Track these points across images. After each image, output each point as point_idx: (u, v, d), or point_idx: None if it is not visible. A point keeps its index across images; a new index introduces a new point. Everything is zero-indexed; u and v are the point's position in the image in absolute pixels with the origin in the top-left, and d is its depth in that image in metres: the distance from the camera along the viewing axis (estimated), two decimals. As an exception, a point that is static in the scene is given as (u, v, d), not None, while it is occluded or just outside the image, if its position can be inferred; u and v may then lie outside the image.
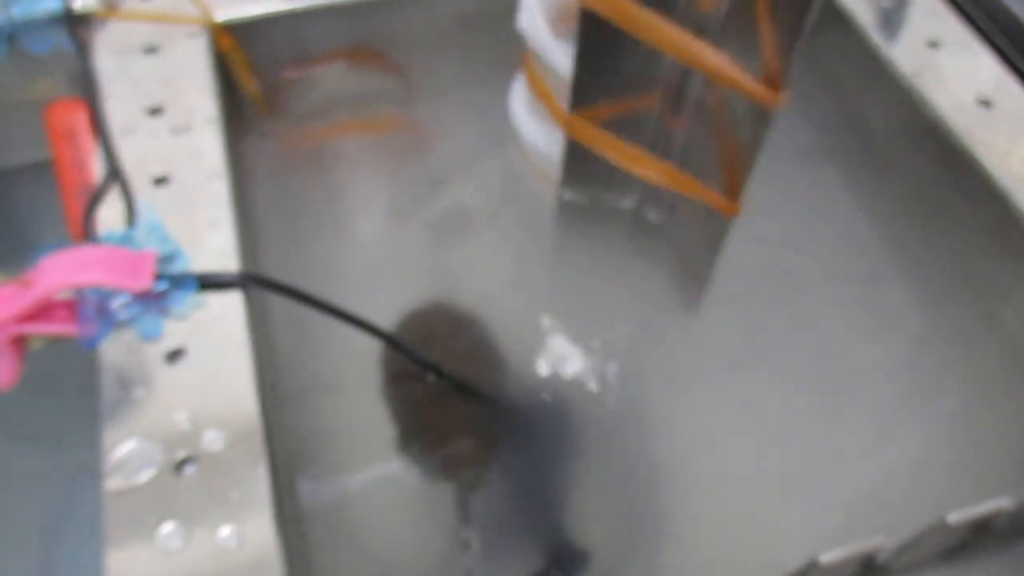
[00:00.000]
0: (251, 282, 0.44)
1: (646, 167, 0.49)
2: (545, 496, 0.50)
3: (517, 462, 0.50)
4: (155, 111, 0.50)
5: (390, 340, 0.48)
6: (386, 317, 0.53)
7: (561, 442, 0.52)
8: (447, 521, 0.48)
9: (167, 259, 0.43)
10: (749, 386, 0.54)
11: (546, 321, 0.56)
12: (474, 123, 0.63)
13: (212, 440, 0.38)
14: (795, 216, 0.61)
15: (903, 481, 0.50)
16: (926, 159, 0.57)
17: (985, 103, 0.55)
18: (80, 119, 0.54)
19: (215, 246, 0.45)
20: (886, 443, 0.52)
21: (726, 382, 0.54)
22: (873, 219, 0.61)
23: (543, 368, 0.54)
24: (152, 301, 0.42)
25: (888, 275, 0.59)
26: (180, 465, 0.37)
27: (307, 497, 0.47)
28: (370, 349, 0.52)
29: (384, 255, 0.57)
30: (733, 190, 0.48)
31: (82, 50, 0.56)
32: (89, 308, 0.42)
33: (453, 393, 0.51)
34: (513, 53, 0.66)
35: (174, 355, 0.41)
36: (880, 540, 0.38)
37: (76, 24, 0.57)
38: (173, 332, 0.42)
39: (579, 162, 0.52)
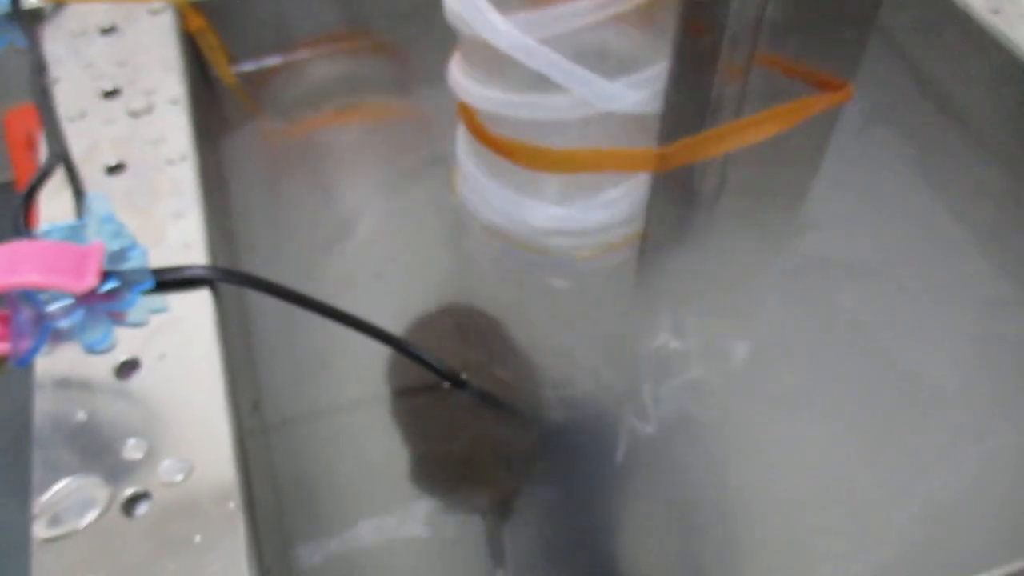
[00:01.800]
0: (222, 276, 0.36)
1: (745, 136, 0.41)
2: (590, 527, 0.41)
3: (555, 488, 0.42)
4: (111, 94, 0.43)
5: (399, 345, 0.40)
6: (394, 322, 0.45)
7: (606, 463, 0.43)
8: (476, 562, 0.39)
9: (119, 255, 0.35)
10: (812, 402, 0.45)
11: (581, 324, 0.48)
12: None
13: (170, 471, 0.30)
14: (854, 211, 0.53)
15: (980, 509, 0.41)
16: (1012, 111, 0.49)
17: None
18: (37, 125, 0.47)
19: (179, 239, 0.37)
20: (960, 469, 0.43)
21: (789, 395, 0.45)
22: (945, 196, 0.53)
23: (581, 377, 0.46)
24: (99, 304, 0.34)
25: (965, 269, 0.50)
26: (130, 504, 0.29)
27: (301, 541, 0.39)
28: (375, 358, 0.44)
29: (389, 254, 0.50)
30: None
31: (32, 42, 0.49)
32: (22, 316, 0.34)
33: (476, 407, 0.42)
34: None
35: (125, 368, 0.33)
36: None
37: (32, 19, 0.51)
38: (125, 341, 0.34)
39: (665, 201, 0.44)
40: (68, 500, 0.29)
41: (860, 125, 0.56)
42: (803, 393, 0.45)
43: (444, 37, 0.59)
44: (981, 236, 0.50)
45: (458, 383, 0.42)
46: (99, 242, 0.35)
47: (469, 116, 0.45)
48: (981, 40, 0.49)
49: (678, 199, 0.46)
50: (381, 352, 0.43)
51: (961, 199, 0.52)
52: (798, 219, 0.49)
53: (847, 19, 0.39)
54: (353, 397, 0.44)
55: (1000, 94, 0.50)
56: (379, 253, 0.50)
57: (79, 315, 0.34)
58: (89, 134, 0.41)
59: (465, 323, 0.47)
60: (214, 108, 0.53)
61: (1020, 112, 0.49)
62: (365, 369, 0.44)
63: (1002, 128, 0.50)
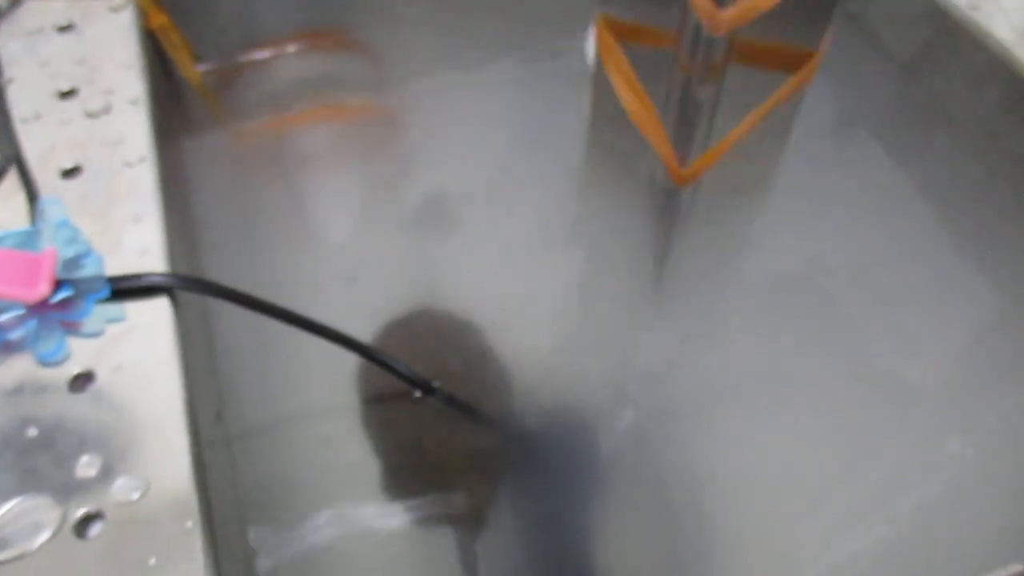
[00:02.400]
0: (181, 284, 0.35)
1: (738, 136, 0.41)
2: (565, 537, 0.40)
3: (529, 497, 0.41)
4: (67, 94, 0.42)
5: (368, 353, 0.39)
6: (366, 325, 0.44)
7: (581, 469, 0.42)
8: (449, 572, 0.38)
9: (73, 262, 0.34)
10: (786, 399, 0.44)
11: (555, 325, 0.47)
12: (453, 104, 0.55)
13: (125, 489, 0.29)
14: (829, 203, 0.52)
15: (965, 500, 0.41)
16: (992, 106, 0.48)
17: (1059, 32, 0.46)
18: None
19: (137, 244, 0.36)
20: (935, 464, 0.42)
21: (764, 391, 0.45)
22: (925, 195, 0.52)
23: (555, 382, 0.45)
24: (52, 314, 0.33)
25: (941, 260, 0.50)
26: (82, 524, 0.28)
27: (266, 557, 0.37)
28: (346, 365, 0.43)
29: (358, 257, 0.48)
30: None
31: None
32: (-30, 328, 0.33)
33: (447, 415, 0.41)
34: (493, 24, 0.58)
35: (80, 380, 0.32)
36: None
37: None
38: (80, 352, 0.32)
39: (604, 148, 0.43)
40: (18, 521, 0.28)
41: (836, 123, 0.55)
42: (780, 392, 0.44)
43: (413, 33, 0.58)
44: (961, 233, 0.50)
45: (429, 391, 0.41)
46: (52, 249, 0.33)
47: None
48: (959, 36, 0.48)
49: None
50: (351, 359, 0.42)
51: (940, 195, 0.51)
52: (772, 218, 0.49)
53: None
54: (322, 405, 0.42)
55: (979, 89, 0.49)
56: (350, 255, 0.49)
57: (31, 325, 0.33)
58: (44, 135, 0.40)
59: (438, 326, 0.46)
60: (177, 107, 0.52)
61: (998, 107, 0.48)
62: (335, 376, 0.43)
63: (981, 123, 0.50)
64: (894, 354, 0.45)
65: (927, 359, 0.45)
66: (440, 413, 0.41)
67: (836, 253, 0.49)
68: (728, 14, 0.34)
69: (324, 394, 0.43)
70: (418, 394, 0.41)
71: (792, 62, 0.41)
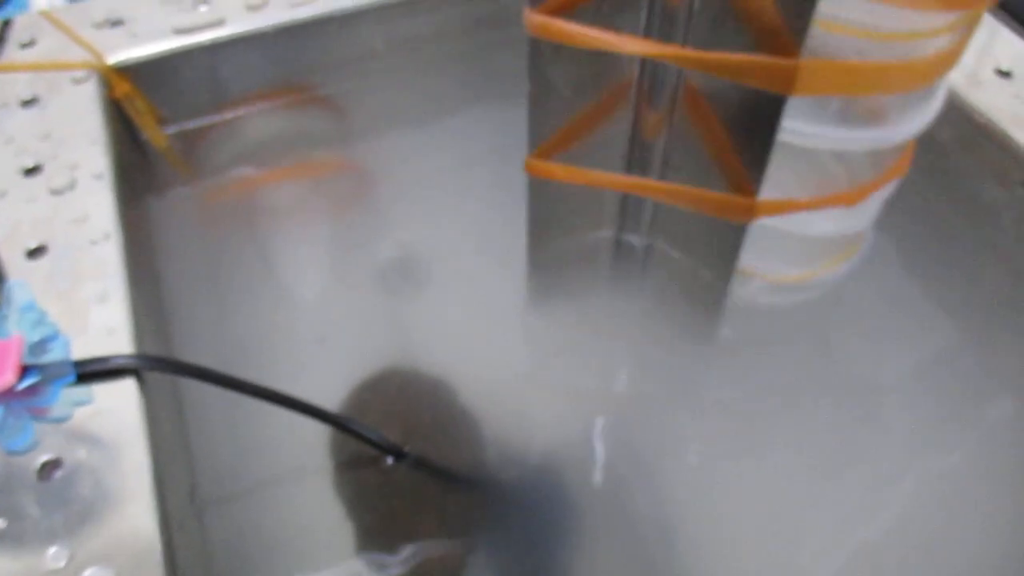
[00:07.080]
0: (148, 365, 0.35)
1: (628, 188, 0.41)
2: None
3: (504, 555, 0.41)
4: (32, 170, 0.42)
5: (338, 422, 0.39)
6: (337, 386, 0.45)
7: (557, 525, 0.43)
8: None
9: (39, 346, 0.34)
10: (762, 433, 0.45)
11: (525, 379, 0.47)
12: (422, 160, 0.55)
13: (93, 580, 0.29)
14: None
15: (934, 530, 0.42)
16: (944, 146, 0.49)
17: (1005, 73, 0.47)
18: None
19: (103, 324, 0.36)
20: (915, 491, 0.43)
21: (738, 430, 0.45)
22: (886, 230, 0.53)
23: (526, 435, 0.45)
24: (18, 401, 0.33)
25: (909, 292, 0.51)
26: (51, 620, 0.28)
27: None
28: (318, 432, 0.43)
29: (328, 318, 0.49)
30: (745, 185, 0.39)
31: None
32: (-64, 419, 0.33)
33: (420, 477, 0.42)
34: (456, 77, 0.59)
35: (47, 468, 0.32)
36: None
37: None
38: (47, 438, 0.33)
39: (546, 209, 0.44)
40: (-14, 619, 0.28)
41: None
42: (752, 427, 0.45)
43: (379, 88, 0.58)
44: (913, 261, 0.51)
45: (400, 456, 0.41)
46: (18, 335, 0.33)
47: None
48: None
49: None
50: (323, 425, 0.42)
51: (904, 238, 0.53)
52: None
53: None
54: (296, 472, 0.43)
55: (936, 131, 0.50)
56: (319, 315, 0.49)
57: (-3, 414, 0.33)
58: (9, 214, 0.40)
59: (408, 385, 0.46)
60: (145, 173, 0.52)
61: (955, 147, 0.49)
62: (307, 443, 0.43)
63: (936, 163, 0.51)
64: (866, 395, 0.46)
65: (898, 397, 0.46)
66: (412, 476, 0.42)
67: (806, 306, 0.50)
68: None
69: (297, 460, 0.43)
70: (390, 460, 0.41)
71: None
